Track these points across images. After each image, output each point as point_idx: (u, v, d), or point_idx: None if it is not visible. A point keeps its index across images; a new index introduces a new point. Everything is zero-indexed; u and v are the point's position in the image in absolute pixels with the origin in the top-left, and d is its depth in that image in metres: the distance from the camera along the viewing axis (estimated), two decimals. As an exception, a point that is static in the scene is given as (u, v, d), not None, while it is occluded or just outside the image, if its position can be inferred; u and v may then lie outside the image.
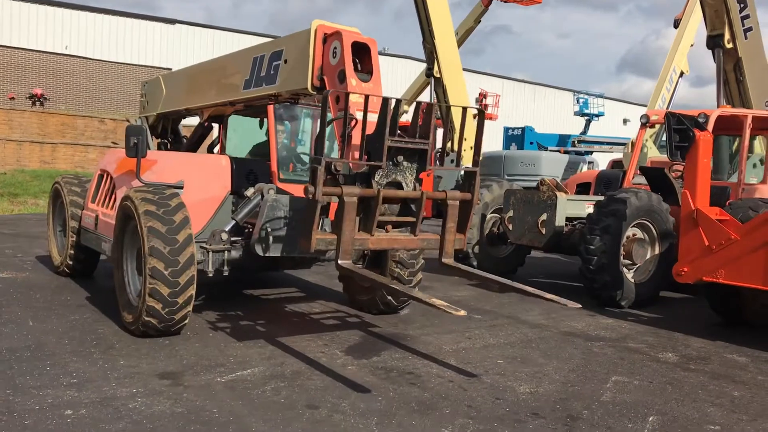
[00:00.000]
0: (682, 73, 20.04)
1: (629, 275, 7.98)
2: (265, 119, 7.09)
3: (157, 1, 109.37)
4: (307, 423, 3.96)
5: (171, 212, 5.43)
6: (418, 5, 15.50)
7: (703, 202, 6.50)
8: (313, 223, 4.56)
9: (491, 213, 9.75)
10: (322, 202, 4.54)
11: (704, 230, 6.40)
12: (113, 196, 6.93)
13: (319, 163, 4.47)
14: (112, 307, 6.22)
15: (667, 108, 19.49)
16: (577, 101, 30.41)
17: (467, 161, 11.01)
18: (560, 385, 4.90)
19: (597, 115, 29.99)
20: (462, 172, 5.71)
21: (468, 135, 10.80)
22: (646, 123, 9.70)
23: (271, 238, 5.60)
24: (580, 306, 4.83)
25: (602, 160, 23.04)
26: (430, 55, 16.14)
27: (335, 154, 5.90)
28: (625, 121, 44.27)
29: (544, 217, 8.50)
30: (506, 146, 26.08)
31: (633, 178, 9.67)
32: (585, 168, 20.34)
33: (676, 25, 20.19)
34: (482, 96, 29.67)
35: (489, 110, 28.95)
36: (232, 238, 6.03)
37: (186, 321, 5.57)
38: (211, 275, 5.95)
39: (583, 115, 29.57)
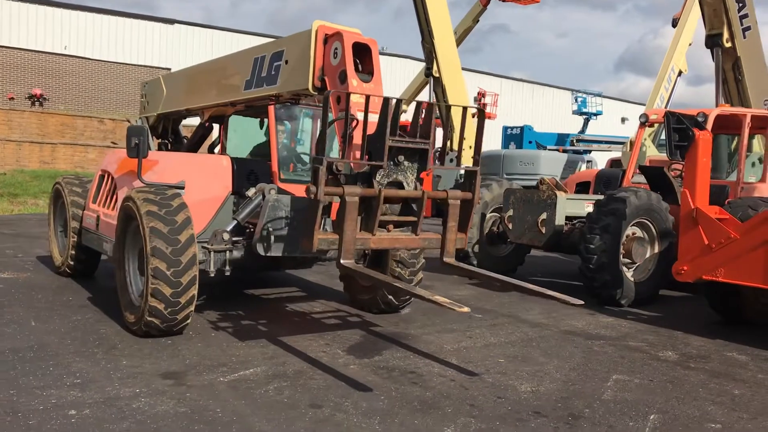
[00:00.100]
0: (680, 72, 20.07)
1: (629, 274, 8.00)
2: (266, 119, 7.11)
3: (156, 1, 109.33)
4: (310, 422, 3.98)
5: (173, 213, 5.45)
6: (417, 5, 15.53)
7: (703, 201, 6.52)
8: (315, 223, 4.58)
9: (491, 212, 9.77)
10: (324, 202, 4.56)
11: (704, 229, 6.43)
12: (114, 197, 6.95)
13: (320, 163, 4.49)
14: (113, 307, 6.24)
15: (666, 107, 19.52)
16: (576, 100, 30.49)
17: (466, 161, 11.04)
18: (561, 383, 4.92)
19: (595, 114, 30.06)
20: (462, 172, 5.73)
21: (467, 134, 10.83)
22: (645, 122, 9.72)
23: (272, 238, 5.62)
24: (583, 303, 4.85)
25: (601, 159, 23.08)
26: (429, 54, 16.17)
27: (335, 154, 5.92)
28: (623, 120, 44.33)
29: (544, 216, 8.52)
30: (505, 145, 26.13)
31: (632, 177, 9.70)
32: (584, 167, 20.38)
33: (675, 24, 20.22)
34: (481, 95, 29.70)
35: (487, 109, 28.94)
36: (234, 238, 6.05)
37: (188, 321, 5.59)
38: (212, 275, 5.97)
39: (581, 113, 29.64)
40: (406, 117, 5.76)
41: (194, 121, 7.92)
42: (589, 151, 25.14)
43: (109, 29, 28.98)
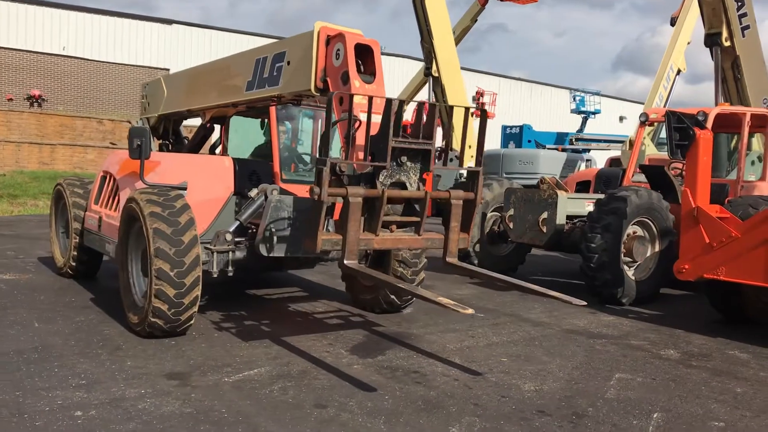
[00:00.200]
0: (679, 71, 20.12)
1: (630, 273, 8.03)
2: (267, 120, 7.12)
3: (154, 1, 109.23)
4: (315, 422, 3.99)
5: (176, 214, 5.46)
6: (416, 5, 15.55)
7: (704, 199, 6.54)
8: (319, 224, 4.60)
9: (492, 211, 9.79)
10: (327, 203, 4.58)
11: (705, 228, 6.45)
12: (116, 198, 6.96)
13: (324, 164, 4.50)
14: (116, 308, 6.25)
15: (665, 106, 19.56)
16: (574, 99, 30.50)
17: (467, 160, 11.05)
18: (564, 382, 4.94)
19: (593, 113, 30.07)
20: (464, 172, 5.75)
21: (468, 134, 10.84)
22: (645, 121, 9.74)
23: (275, 239, 5.62)
24: (586, 303, 4.87)
25: (600, 158, 23.12)
26: (429, 54, 16.19)
27: (336, 155, 5.93)
28: (621, 119, 44.38)
29: (544, 215, 8.54)
30: (504, 144, 26.17)
31: (632, 176, 9.72)
32: (583, 166, 20.43)
33: (673, 23, 20.27)
34: (479, 94, 29.71)
35: (486, 108, 28.98)
36: (236, 239, 6.06)
37: (192, 322, 5.60)
38: (215, 276, 5.97)
39: (579, 112, 29.65)
40: (405, 117, 5.77)
41: (194, 121, 7.92)
42: (588, 150, 25.19)
43: (107, 30, 28.97)
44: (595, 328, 6.72)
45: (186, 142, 8.51)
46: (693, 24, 19.39)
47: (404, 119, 5.27)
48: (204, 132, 8.09)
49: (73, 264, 7.88)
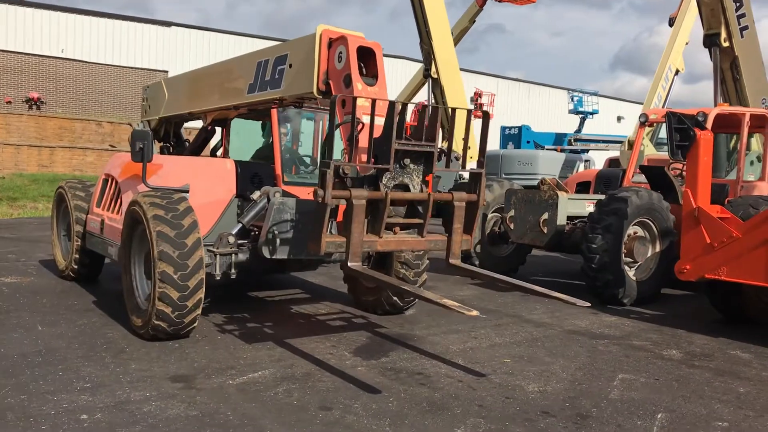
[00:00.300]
0: (677, 71, 20.18)
1: (631, 273, 8.05)
2: (268, 123, 7.13)
3: (152, 3, 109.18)
4: (321, 425, 4.00)
5: (179, 216, 5.46)
6: (415, 7, 15.58)
7: (705, 200, 6.56)
8: (323, 226, 4.61)
9: (492, 212, 9.81)
10: (331, 205, 4.59)
11: (706, 228, 6.47)
12: (119, 201, 6.96)
13: (327, 166, 4.51)
14: (119, 310, 6.25)
15: (663, 106, 19.61)
16: (572, 99, 30.56)
17: (468, 162, 11.07)
18: (568, 383, 4.96)
19: (591, 113, 30.15)
20: (464, 173, 5.77)
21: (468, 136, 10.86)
22: (645, 122, 9.77)
23: (278, 241, 5.63)
24: (589, 304, 4.89)
25: (598, 158, 23.15)
26: (428, 56, 16.23)
27: (338, 158, 5.94)
28: (619, 119, 44.46)
29: (545, 216, 8.56)
30: (503, 145, 26.21)
31: (632, 176, 9.74)
32: (582, 166, 20.46)
33: (671, 23, 20.31)
34: (477, 95, 29.75)
35: (485, 109, 29.03)
36: (239, 241, 6.06)
37: (195, 324, 5.61)
38: (218, 278, 5.98)
39: (577, 113, 29.73)
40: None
41: (195, 124, 7.92)
42: (587, 151, 25.24)
43: (106, 32, 28.98)
44: (597, 329, 6.73)
45: (187, 144, 8.52)
46: (691, 24, 19.45)
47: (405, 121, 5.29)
48: (205, 134, 8.09)
49: (75, 267, 7.88)
